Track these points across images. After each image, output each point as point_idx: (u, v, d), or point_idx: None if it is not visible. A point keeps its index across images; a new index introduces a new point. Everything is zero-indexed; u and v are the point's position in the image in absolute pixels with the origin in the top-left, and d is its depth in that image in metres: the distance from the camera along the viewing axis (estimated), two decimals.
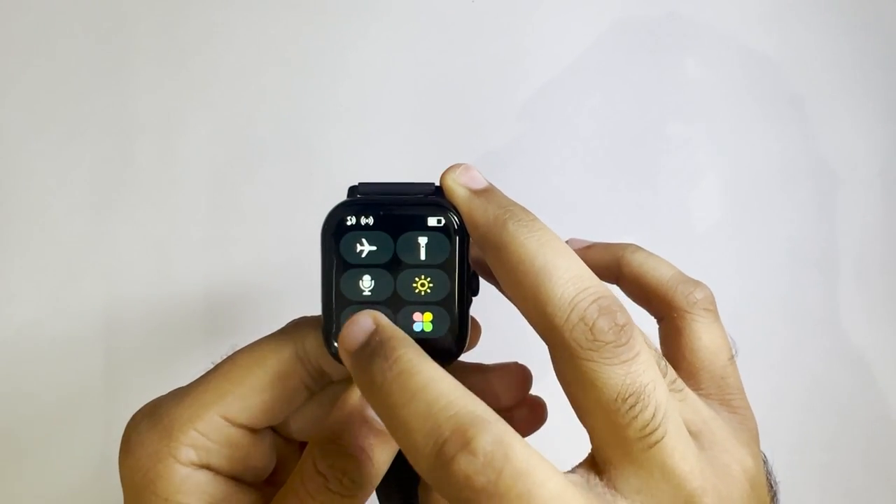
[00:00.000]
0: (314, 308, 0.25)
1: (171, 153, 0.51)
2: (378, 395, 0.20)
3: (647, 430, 0.20)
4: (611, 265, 0.28)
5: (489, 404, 0.25)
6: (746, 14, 0.55)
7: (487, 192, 0.24)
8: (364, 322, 0.22)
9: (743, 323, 0.52)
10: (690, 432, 0.22)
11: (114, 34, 0.52)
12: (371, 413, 0.24)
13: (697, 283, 0.27)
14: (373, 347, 0.21)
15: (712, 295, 0.27)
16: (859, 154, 0.55)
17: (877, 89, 0.55)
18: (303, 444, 0.27)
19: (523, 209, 0.23)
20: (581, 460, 0.22)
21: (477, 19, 0.53)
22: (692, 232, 0.54)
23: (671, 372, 0.23)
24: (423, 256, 0.24)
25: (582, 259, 0.24)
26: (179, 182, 0.51)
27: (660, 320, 0.28)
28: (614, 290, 0.26)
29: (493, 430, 0.19)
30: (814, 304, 0.54)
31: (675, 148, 0.54)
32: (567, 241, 0.30)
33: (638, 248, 0.29)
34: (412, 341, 0.21)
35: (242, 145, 0.52)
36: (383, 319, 0.22)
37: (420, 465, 0.19)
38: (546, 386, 0.26)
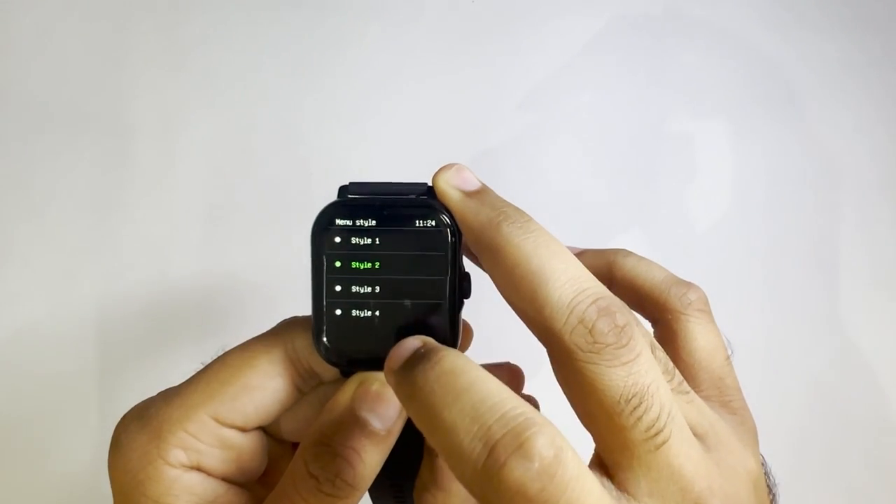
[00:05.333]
0: (309, 309, 0.24)
1: (170, 153, 0.51)
2: (419, 398, 0.19)
3: (653, 430, 0.20)
4: (602, 270, 0.28)
5: None
6: (747, 13, 0.54)
7: (480, 194, 0.23)
8: (411, 342, 0.22)
9: (743, 324, 0.52)
10: (697, 434, 0.21)
11: (114, 34, 0.52)
12: (363, 414, 0.23)
13: (690, 285, 0.27)
14: (416, 358, 0.20)
15: (705, 296, 0.27)
16: (860, 154, 0.54)
17: (878, 89, 0.54)
18: (294, 445, 0.27)
19: (517, 210, 0.23)
20: (588, 462, 0.21)
21: (477, 19, 0.53)
22: (692, 231, 0.54)
23: (678, 374, 0.23)
24: (414, 258, 0.23)
25: None
26: (178, 182, 0.51)
27: (654, 323, 0.27)
28: None
29: (547, 432, 0.18)
30: (815, 304, 0.54)
31: (675, 147, 0.54)
32: None
33: (629, 252, 0.28)
34: (458, 351, 0.21)
35: (242, 145, 0.52)
36: (431, 340, 0.22)
37: (464, 470, 0.18)
38: (538, 384, 0.26)
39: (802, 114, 0.54)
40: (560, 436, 0.18)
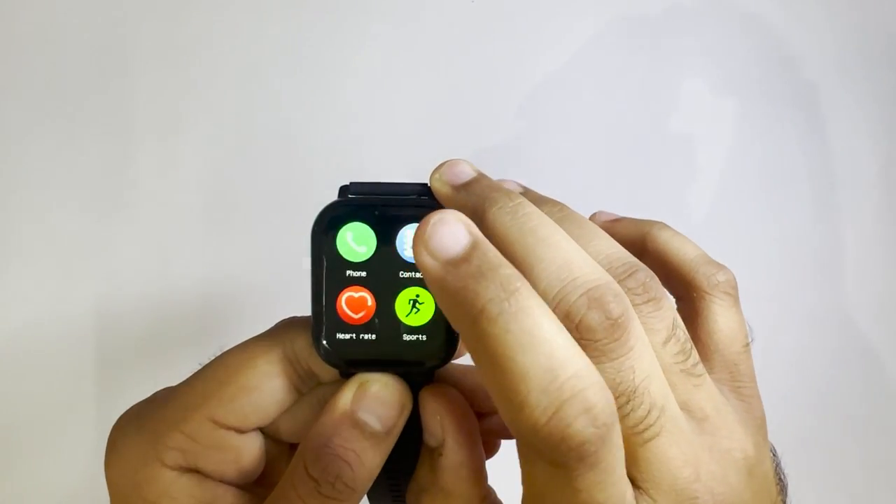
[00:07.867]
0: (308, 309, 0.24)
1: (170, 153, 0.51)
2: (491, 329, 0.18)
3: (641, 427, 0.19)
4: (636, 240, 0.27)
5: (479, 406, 0.25)
6: (746, 13, 0.54)
7: (469, 185, 0.23)
8: (458, 229, 0.19)
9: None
10: (698, 417, 0.21)
11: (114, 34, 0.51)
12: (363, 416, 0.23)
13: (721, 266, 0.26)
14: (478, 267, 0.19)
15: (735, 279, 0.26)
16: (860, 153, 0.54)
17: (877, 88, 0.54)
18: (292, 446, 0.27)
19: (506, 194, 0.22)
20: None
21: (477, 19, 0.53)
22: (693, 231, 0.53)
23: (695, 355, 0.22)
24: (413, 258, 0.23)
25: (609, 233, 0.22)
26: (178, 182, 0.51)
27: (679, 300, 0.26)
28: None
29: (609, 398, 0.18)
30: (814, 304, 0.53)
31: (675, 147, 0.54)
32: (595, 214, 0.29)
33: (665, 225, 0.27)
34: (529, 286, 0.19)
35: (242, 145, 0.52)
36: (481, 234, 0.19)
37: (524, 419, 0.18)
38: None
39: (804, 113, 0.54)
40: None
